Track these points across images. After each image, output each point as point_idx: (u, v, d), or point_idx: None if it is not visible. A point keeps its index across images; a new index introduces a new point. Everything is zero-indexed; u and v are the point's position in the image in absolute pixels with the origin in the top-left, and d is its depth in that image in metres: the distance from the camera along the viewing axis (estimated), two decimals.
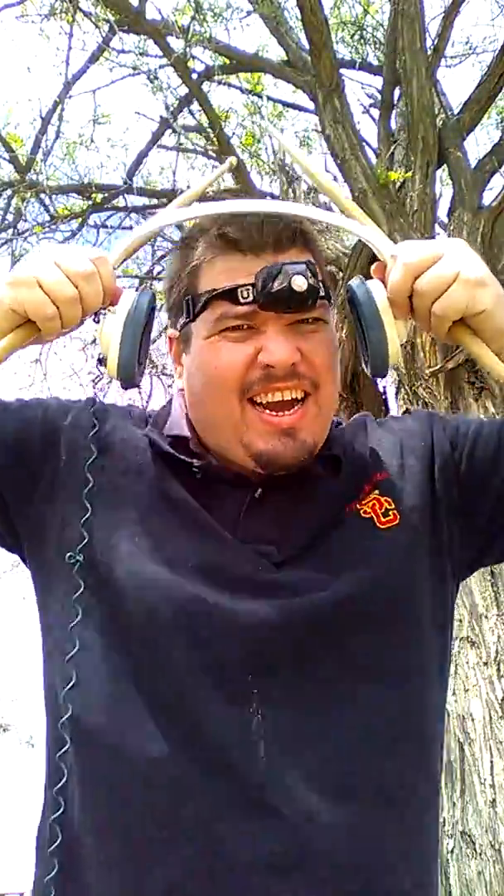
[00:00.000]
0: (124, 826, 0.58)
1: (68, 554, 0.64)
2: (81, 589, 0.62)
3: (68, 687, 0.61)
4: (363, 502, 0.67)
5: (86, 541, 0.64)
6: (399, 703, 0.62)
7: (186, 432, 0.69)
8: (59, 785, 0.60)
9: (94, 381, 0.70)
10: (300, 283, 0.59)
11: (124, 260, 0.66)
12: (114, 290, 0.62)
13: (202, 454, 0.68)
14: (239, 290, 0.61)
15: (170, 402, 0.75)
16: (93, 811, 0.59)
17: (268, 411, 0.63)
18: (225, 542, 0.64)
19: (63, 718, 0.61)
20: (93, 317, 0.63)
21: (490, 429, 0.71)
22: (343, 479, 0.68)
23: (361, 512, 0.66)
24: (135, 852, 0.57)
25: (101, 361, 0.65)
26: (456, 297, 0.56)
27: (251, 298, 0.61)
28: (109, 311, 0.63)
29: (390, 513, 0.67)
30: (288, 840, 0.55)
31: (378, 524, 0.66)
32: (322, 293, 0.62)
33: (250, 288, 0.61)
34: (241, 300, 0.61)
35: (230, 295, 0.62)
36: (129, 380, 0.63)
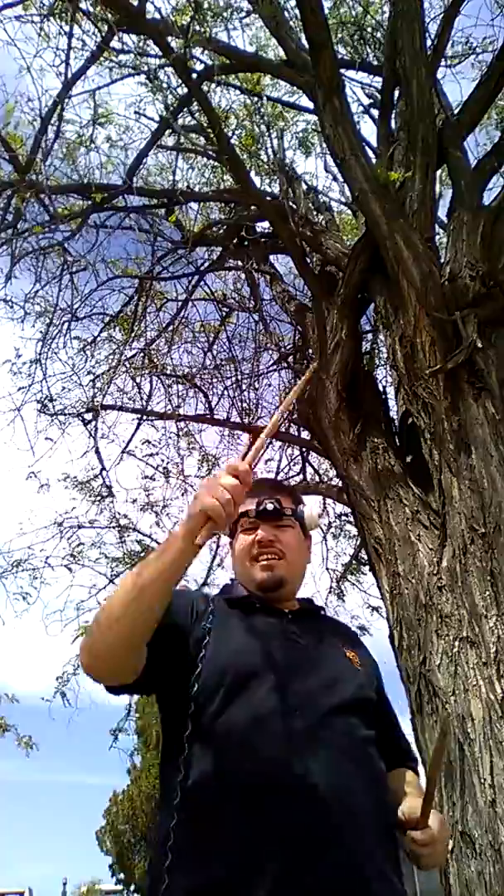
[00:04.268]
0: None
1: (200, 655, 1.22)
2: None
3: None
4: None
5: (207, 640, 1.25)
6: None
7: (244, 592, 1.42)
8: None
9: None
10: (269, 507, 1.41)
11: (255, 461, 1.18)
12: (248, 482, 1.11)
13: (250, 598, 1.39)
14: (248, 510, 1.41)
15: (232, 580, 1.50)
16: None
17: (259, 562, 1.39)
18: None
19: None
20: None
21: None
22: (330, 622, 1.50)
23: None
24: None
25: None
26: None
27: (255, 514, 1.42)
28: None
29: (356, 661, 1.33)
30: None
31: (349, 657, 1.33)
32: (286, 513, 1.43)
33: (254, 510, 1.42)
34: (250, 515, 1.42)
35: (245, 513, 1.42)
36: None
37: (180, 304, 5.66)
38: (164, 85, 4.86)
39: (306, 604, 1.47)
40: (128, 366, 5.54)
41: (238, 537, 1.46)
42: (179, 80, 4.40)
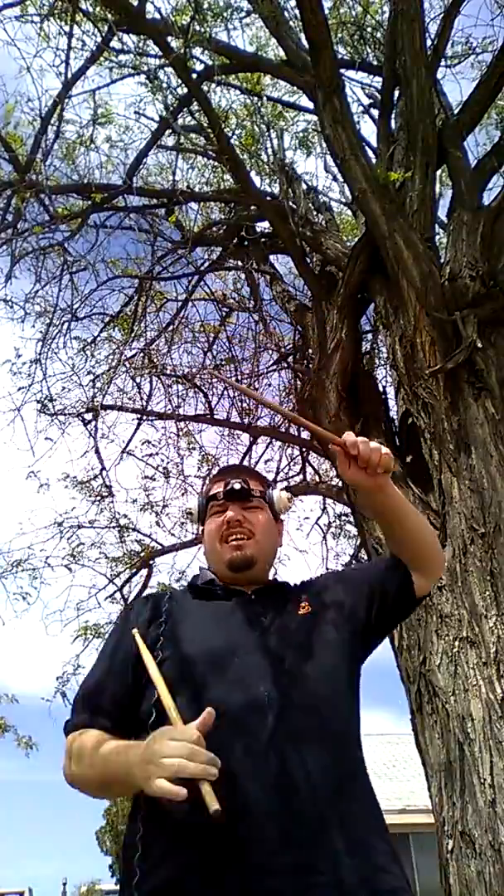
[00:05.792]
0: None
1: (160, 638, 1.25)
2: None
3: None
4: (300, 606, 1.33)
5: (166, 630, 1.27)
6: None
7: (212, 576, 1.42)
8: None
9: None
10: (237, 486, 1.42)
11: None
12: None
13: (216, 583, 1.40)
14: (217, 493, 1.45)
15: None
16: None
17: (229, 542, 1.38)
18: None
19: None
20: None
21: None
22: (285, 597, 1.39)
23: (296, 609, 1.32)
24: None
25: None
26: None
27: (223, 495, 1.43)
28: None
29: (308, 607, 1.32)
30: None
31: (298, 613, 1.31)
32: (255, 494, 1.43)
33: (222, 491, 1.44)
34: (218, 498, 1.44)
35: (214, 496, 1.45)
36: None
37: (180, 304, 5.66)
38: (164, 85, 4.86)
39: (272, 583, 1.44)
40: (128, 366, 5.54)
41: (207, 521, 1.45)
42: (179, 80, 4.40)
